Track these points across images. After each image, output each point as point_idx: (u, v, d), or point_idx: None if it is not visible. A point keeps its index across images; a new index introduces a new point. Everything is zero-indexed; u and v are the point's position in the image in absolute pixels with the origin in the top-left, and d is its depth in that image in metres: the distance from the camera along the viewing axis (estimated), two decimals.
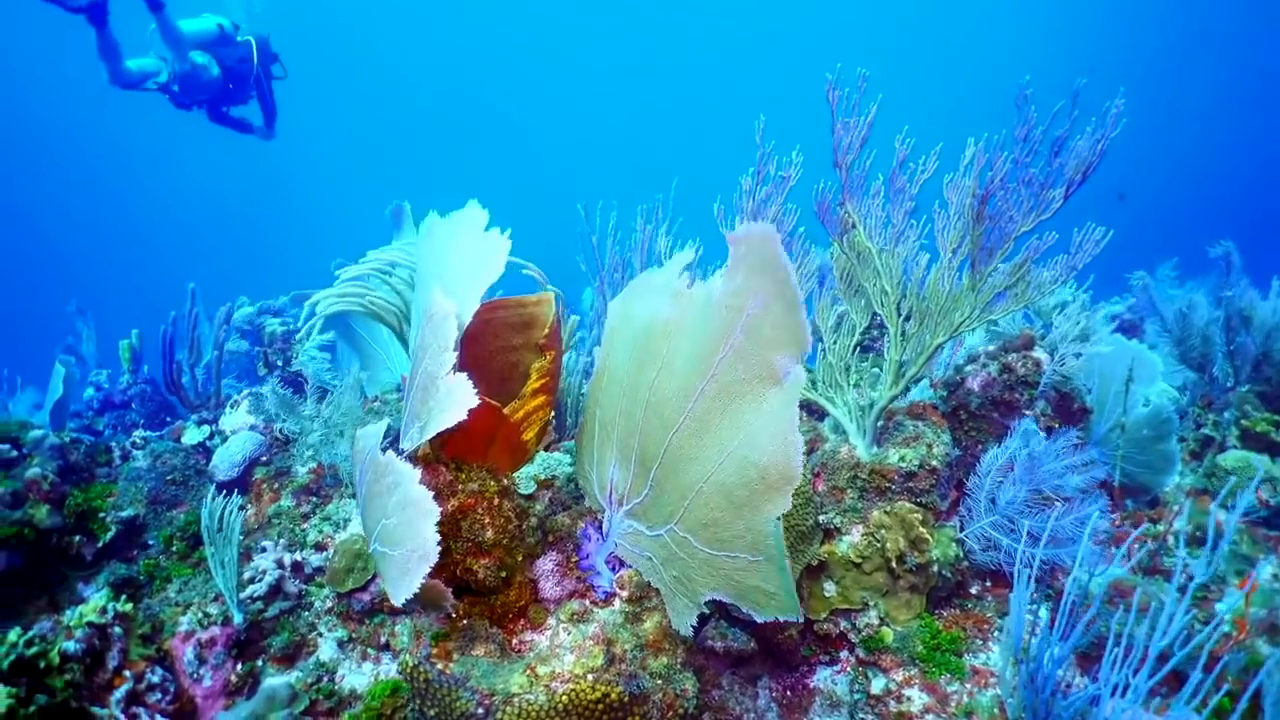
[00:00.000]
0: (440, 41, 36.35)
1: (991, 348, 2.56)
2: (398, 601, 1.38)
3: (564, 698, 1.44)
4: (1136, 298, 4.90)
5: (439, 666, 1.52)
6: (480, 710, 1.43)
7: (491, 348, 1.97)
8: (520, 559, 1.79)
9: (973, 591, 2.35)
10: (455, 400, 1.47)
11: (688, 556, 1.71)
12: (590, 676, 1.55)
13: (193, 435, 3.18)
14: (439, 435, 1.51)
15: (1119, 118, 1.99)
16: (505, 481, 1.78)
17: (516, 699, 1.45)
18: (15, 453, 2.65)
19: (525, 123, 40.49)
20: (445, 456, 1.74)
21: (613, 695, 1.47)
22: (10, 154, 34.89)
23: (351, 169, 40.84)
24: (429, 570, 1.36)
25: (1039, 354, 2.47)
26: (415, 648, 1.76)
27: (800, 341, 1.56)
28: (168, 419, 4.06)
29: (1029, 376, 2.45)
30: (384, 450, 1.55)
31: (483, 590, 1.73)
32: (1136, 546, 2.45)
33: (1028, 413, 2.46)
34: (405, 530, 1.39)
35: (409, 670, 1.47)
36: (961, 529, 2.33)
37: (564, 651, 1.66)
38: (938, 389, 2.65)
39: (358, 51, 35.18)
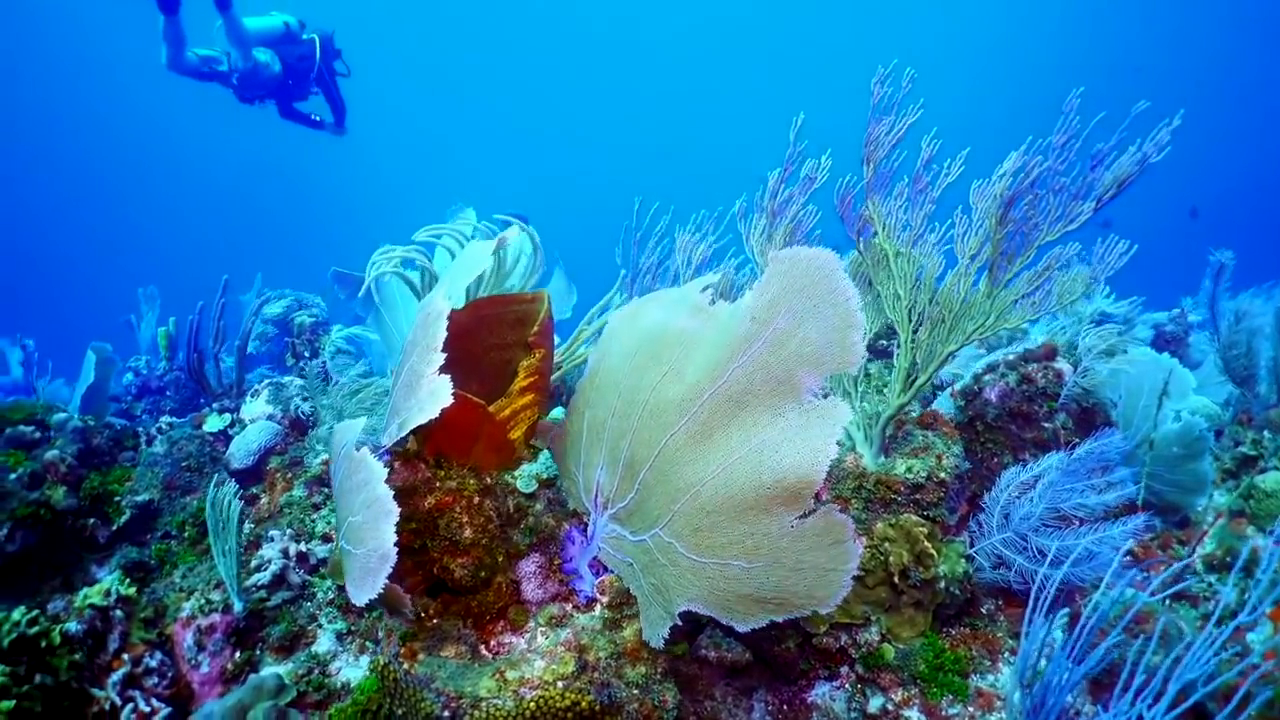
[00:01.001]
0: (503, 42, 36.86)
1: (1012, 357, 2.46)
2: (359, 602, 1.37)
3: (531, 704, 1.41)
4: (1208, 287, 4.62)
5: (405, 666, 1.51)
6: (446, 713, 1.41)
7: (485, 344, 1.96)
8: (501, 559, 1.77)
9: (984, 610, 2.26)
10: (436, 400, 1.46)
11: (669, 563, 1.66)
12: (561, 684, 1.51)
13: (214, 423, 3.24)
14: (423, 431, 1.50)
15: (1162, 145, 1.90)
16: (488, 480, 1.75)
17: (484, 703, 1.43)
18: (39, 434, 2.73)
19: (581, 123, 40.80)
20: (428, 453, 1.72)
21: (583, 704, 1.44)
22: (104, 145, 36.37)
23: (414, 167, 41.69)
24: (391, 570, 1.35)
25: (1061, 365, 2.36)
26: (386, 646, 1.75)
27: (843, 360, 1.52)
28: (204, 403, 4.14)
29: (1049, 388, 2.34)
30: (359, 447, 1.54)
31: (461, 589, 1.71)
32: (1163, 569, 2.33)
33: (1046, 425, 2.35)
34: (368, 529, 1.38)
35: (379, 669, 1.46)
36: (972, 545, 2.24)
37: (535, 657, 1.63)
38: (956, 398, 2.56)
39: (422, 49, 35.83)
